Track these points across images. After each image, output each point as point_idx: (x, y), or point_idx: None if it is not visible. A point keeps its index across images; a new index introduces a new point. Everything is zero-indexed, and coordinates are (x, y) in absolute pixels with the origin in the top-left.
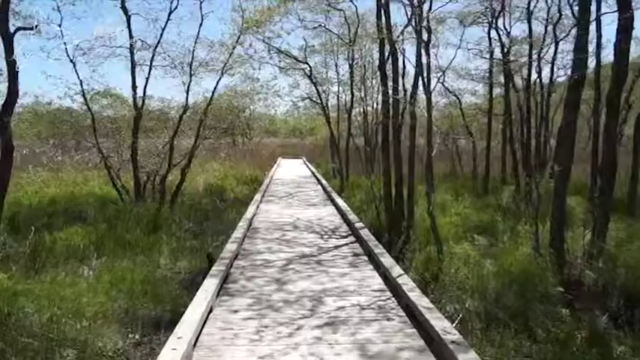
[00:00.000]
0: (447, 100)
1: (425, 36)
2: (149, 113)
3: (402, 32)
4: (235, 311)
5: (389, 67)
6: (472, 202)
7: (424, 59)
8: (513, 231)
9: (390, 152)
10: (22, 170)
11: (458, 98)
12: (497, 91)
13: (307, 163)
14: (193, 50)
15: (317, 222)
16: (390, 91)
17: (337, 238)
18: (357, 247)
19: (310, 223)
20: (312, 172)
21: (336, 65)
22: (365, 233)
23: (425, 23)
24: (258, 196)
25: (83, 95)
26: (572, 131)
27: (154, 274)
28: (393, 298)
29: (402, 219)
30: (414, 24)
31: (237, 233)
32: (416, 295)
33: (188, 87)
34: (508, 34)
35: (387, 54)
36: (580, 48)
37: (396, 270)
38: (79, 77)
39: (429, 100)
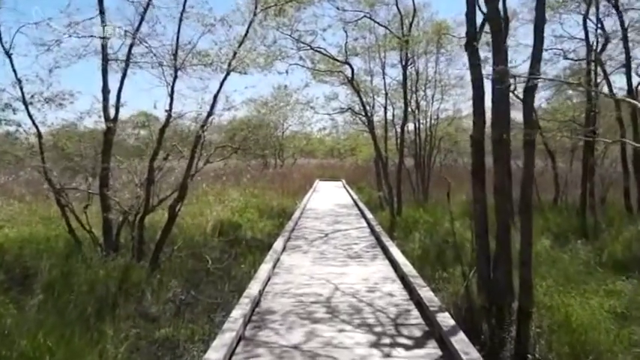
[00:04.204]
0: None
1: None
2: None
3: None
4: None
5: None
6: (588, 252)
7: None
8: None
9: (484, 183)
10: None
11: (534, 110)
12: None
13: (347, 187)
14: (178, 31)
15: (367, 298)
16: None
17: (406, 342)
18: None
19: (356, 301)
20: (354, 201)
21: (383, 72)
22: (458, 340)
23: None
24: (279, 243)
25: (24, 101)
26: None
27: None
28: None
29: (511, 297)
30: None
31: (217, 354)
32: None
33: (172, 86)
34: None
35: (478, 24)
36: None
37: None
38: (17, 76)
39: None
